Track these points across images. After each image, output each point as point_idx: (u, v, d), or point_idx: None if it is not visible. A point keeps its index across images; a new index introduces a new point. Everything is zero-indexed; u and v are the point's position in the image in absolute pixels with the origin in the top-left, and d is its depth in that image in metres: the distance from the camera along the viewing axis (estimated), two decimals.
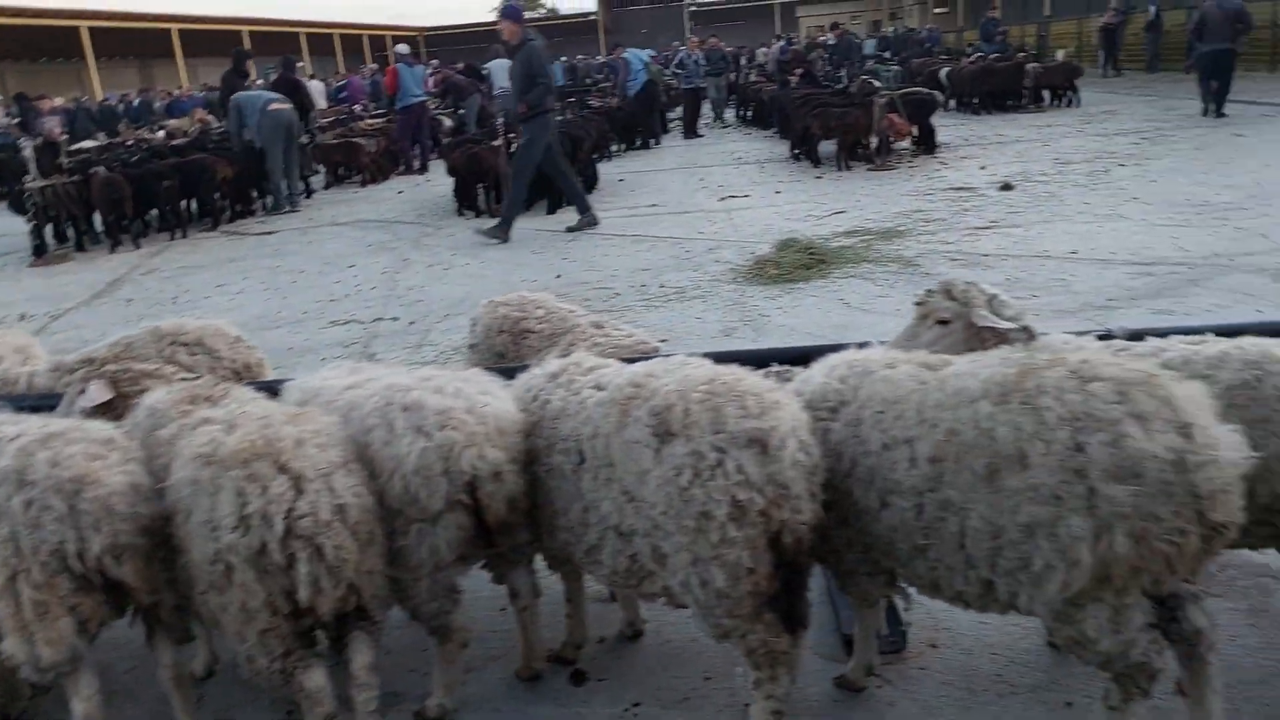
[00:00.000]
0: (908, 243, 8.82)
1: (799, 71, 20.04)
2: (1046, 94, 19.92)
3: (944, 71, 20.92)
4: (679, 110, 22.29)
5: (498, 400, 2.70)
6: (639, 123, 19.20)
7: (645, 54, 20.89)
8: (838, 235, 9.29)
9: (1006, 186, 11.09)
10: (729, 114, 23.77)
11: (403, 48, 17.41)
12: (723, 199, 12.24)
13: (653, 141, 19.42)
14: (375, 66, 27.16)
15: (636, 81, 19.56)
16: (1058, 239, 8.49)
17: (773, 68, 26.38)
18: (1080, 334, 3.01)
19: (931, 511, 2.36)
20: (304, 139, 14.83)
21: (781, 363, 3.07)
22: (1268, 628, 3.06)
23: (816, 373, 2.68)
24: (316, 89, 24.04)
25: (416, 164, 17.55)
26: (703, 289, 7.84)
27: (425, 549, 2.62)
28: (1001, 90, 19.92)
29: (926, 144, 14.51)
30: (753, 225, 10.29)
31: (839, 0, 57.47)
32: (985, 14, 28.12)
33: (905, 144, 14.36)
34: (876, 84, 15.15)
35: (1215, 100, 15.47)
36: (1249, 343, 2.55)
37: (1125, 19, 26.37)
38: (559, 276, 8.72)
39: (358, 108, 22.59)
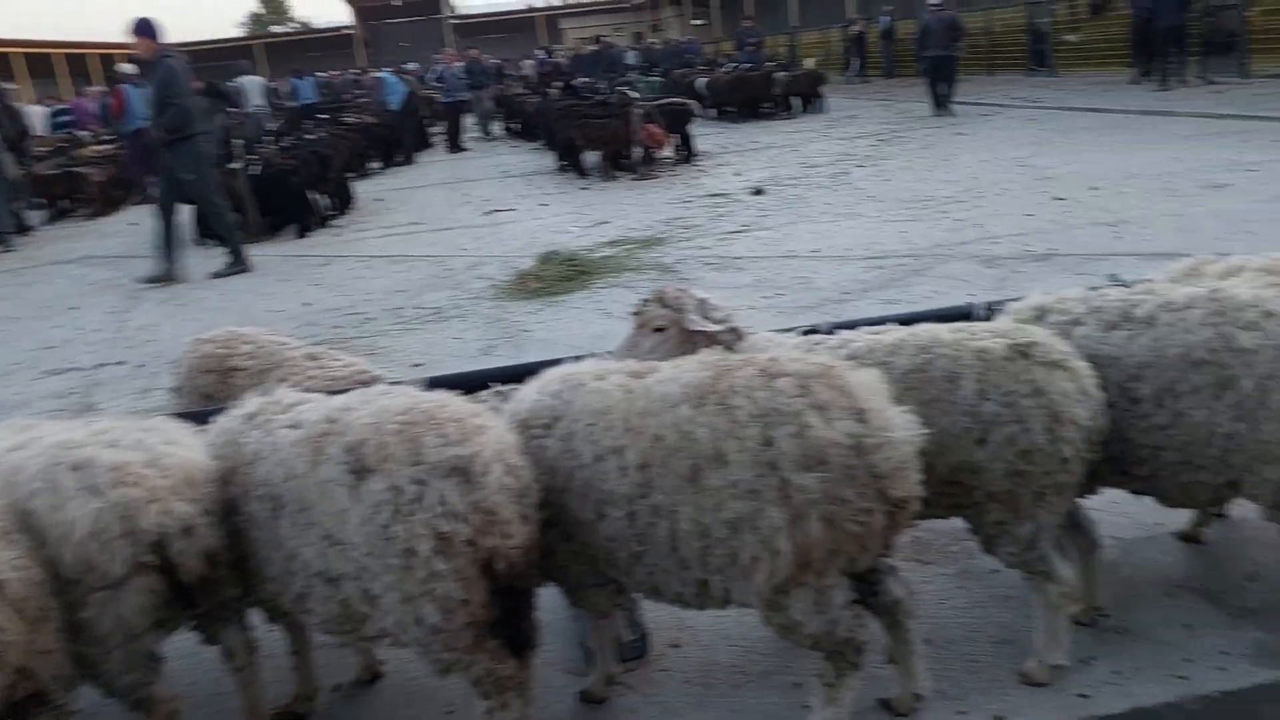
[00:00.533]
0: (668, 250, 9.07)
1: (558, 84, 20.25)
2: (798, 101, 21.12)
3: (701, 81, 21.77)
4: (444, 125, 21.93)
5: (185, 449, 2.48)
6: (399, 138, 18.71)
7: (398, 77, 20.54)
8: (601, 245, 9.43)
9: (758, 191, 11.67)
10: (496, 127, 23.64)
11: (128, 67, 16.02)
12: (487, 214, 12.13)
13: (415, 157, 19.01)
14: (103, 88, 24.89)
15: (396, 95, 19.07)
16: (802, 239, 9.00)
17: (536, 79, 26.54)
18: (785, 330, 3.16)
19: (643, 518, 2.39)
20: (16, 170, 13.34)
21: (503, 381, 3.02)
22: (973, 587, 3.32)
23: (531, 390, 2.66)
24: (36, 114, 21.85)
25: (151, 192, 16.23)
26: (462, 308, 7.70)
27: (110, 619, 2.37)
28: (754, 98, 20.98)
29: (686, 152, 15.05)
30: (517, 239, 10.25)
31: (601, 13, 58.78)
32: (740, 24, 29.62)
33: (667, 153, 14.82)
34: (633, 95, 15.52)
35: (941, 102, 17.06)
36: (922, 329, 2.76)
37: (869, 27, 28.71)
38: (308, 304, 8.31)
39: (85, 133, 20.63)
